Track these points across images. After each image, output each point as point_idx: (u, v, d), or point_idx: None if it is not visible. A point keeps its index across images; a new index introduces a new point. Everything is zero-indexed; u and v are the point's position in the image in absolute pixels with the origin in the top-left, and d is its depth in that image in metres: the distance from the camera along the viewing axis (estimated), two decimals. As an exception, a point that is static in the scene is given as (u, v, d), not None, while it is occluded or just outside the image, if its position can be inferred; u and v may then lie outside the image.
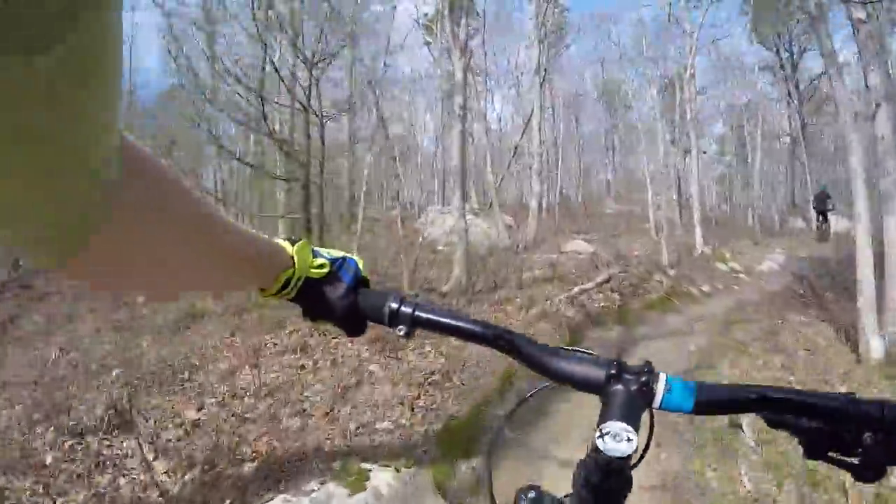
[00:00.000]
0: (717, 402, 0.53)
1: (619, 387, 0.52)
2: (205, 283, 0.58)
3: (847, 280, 7.38)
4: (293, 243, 0.57)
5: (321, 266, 0.58)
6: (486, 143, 14.88)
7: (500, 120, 28.25)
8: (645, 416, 0.53)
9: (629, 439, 0.47)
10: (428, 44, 20.22)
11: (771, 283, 9.01)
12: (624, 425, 0.48)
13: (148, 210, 0.34)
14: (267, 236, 0.55)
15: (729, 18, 31.57)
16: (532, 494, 0.55)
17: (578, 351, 0.58)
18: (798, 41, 27.63)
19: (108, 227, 0.30)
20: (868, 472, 0.47)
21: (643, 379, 0.52)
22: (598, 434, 0.48)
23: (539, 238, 11.64)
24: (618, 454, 0.47)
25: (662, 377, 0.53)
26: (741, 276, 9.71)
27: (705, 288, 8.18)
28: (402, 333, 0.58)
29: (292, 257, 0.55)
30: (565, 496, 0.54)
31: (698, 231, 11.26)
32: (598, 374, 0.54)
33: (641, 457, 0.53)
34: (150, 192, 0.34)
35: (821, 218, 15.06)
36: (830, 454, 0.49)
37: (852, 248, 5.51)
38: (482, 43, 18.39)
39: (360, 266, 0.63)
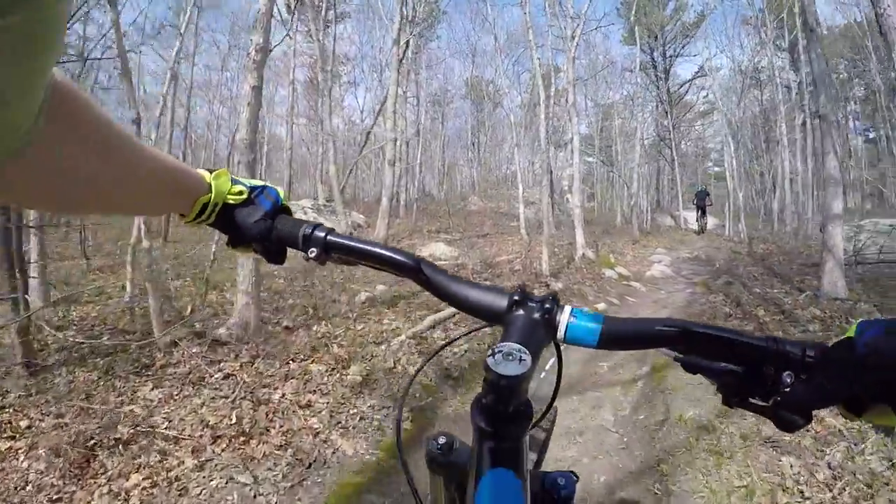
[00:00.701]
0: (624, 335, 0.51)
1: (521, 312, 0.51)
2: (126, 205, 0.56)
3: (766, 293, 6.17)
4: (211, 172, 0.59)
5: (239, 193, 0.60)
6: (337, 131, 12.52)
7: (361, 111, 26.49)
8: (551, 349, 0.52)
9: (521, 360, 0.44)
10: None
11: (670, 292, 7.59)
12: (518, 346, 0.45)
13: (70, 133, 0.37)
14: (184, 164, 0.56)
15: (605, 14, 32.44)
16: (442, 440, 0.60)
17: (490, 287, 0.57)
18: (672, 45, 28.65)
19: (33, 149, 0.33)
20: (786, 421, 0.44)
21: (546, 307, 0.51)
22: (489, 353, 0.44)
23: (392, 240, 9.54)
24: (508, 372, 0.43)
25: (567, 308, 0.51)
26: (633, 284, 8.26)
27: (600, 305, 6.48)
28: (312, 256, 0.58)
29: (209, 184, 0.57)
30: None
31: (580, 232, 9.78)
32: (500, 301, 0.53)
33: (553, 397, 0.56)
34: (72, 117, 0.37)
35: (699, 213, 17.46)
36: (751, 400, 0.47)
37: (734, 246, 4.34)
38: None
39: (281, 194, 0.65)
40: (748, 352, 0.46)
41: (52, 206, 0.44)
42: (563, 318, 0.50)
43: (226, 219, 0.60)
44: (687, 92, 27.60)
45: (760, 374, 0.45)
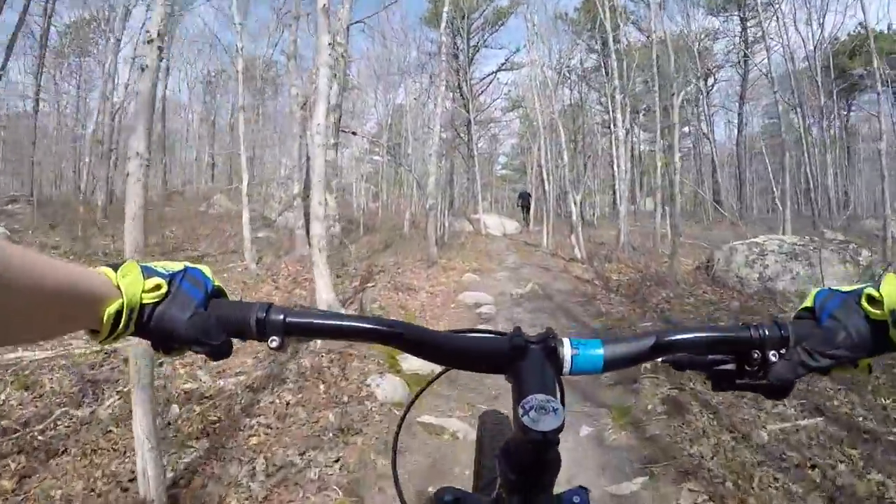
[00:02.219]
0: (623, 356, 0.51)
1: (527, 358, 0.50)
2: (14, 335, 0.41)
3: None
4: (116, 267, 0.47)
5: (156, 287, 0.48)
6: None
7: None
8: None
9: (555, 409, 0.44)
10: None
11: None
12: (546, 396, 0.45)
13: None
14: (80, 265, 0.45)
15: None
16: (449, 497, 0.54)
17: (476, 330, 0.56)
18: (479, 34, 25.84)
19: None
20: (778, 390, 0.50)
21: (550, 345, 0.50)
22: (521, 412, 0.44)
23: None
24: (548, 427, 0.43)
25: (566, 341, 0.51)
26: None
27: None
28: (274, 346, 0.50)
29: (117, 286, 0.46)
30: (480, 491, 0.54)
31: (322, 274, 4.87)
32: (501, 350, 0.51)
33: (560, 427, 0.50)
34: None
35: (524, 212, 19.48)
36: (738, 382, 0.51)
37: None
38: None
39: (209, 274, 0.54)
40: (737, 343, 0.50)
41: None
42: (566, 352, 0.50)
43: (148, 323, 0.48)
44: (489, 84, 25.09)
45: (749, 359, 0.50)
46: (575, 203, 10.93)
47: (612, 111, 11.79)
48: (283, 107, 23.62)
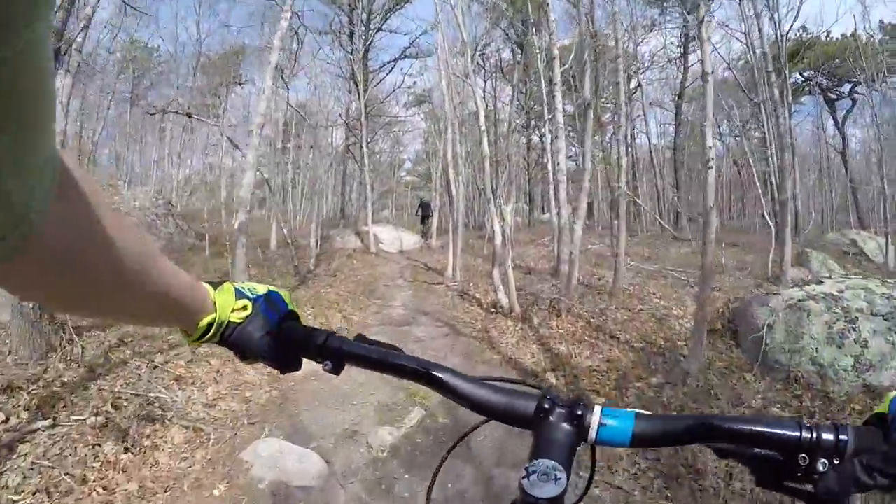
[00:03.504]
0: (655, 434, 0.49)
1: (550, 420, 0.49)
2: (130, 312, 0.50)
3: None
4: (216, 286, 0.56)
5: (243, 308, 0.57)
6: None
7: None
8: (584, 453, 0.50)
9: (557, 478, 0.43)
10: None
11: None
12: (552, 463, 0.44)
13: (79, 221, 0.34)
14: (191, 277, 0.52)
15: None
16: None
17: (510, 381, 0.56)
18: (378, 16, 21.71)
19: (36, 240, 0.30)
20: (826, 502, 0.44)
21: (576, 412, 0.49)
22: (524, 473, 0.44)
23: None
24: (545, 495, 0.43)
25: (597, 410, 0.49)
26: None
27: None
28: (327, 368, 0.57)
29: (213, 302, 0.54)
30: None
31: None
32: (527, 407, 0.51)
33: (583, 495, 0.51)
34: (81, 211, 0.34)
35: (423, 223, 17.57)
36: (785, 483, 0.46)
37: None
38: None
39: (287, 298, 0.62)
40: (782, 441, 0.45)
41: (55, 305, 0.43)
42: (594, 420, 0.49)
43: (233, 336, 0.57)
44: (388, 74, 21.20)
45: (794, 462, 0.45)
46: (502, 218, 7.08)
47: (551, 101, 8.46)
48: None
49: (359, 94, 17.76)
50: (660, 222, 15.75)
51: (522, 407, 0.51)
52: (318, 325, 5.59)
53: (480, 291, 8.38)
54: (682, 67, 22.00)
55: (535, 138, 26.41)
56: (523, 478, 0.44)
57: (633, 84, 21.04)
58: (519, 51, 22.35)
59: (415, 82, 23.30)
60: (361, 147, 18.13)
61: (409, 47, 20.00)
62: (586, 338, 5.49)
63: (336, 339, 0.58)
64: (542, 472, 0.44)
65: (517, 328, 6.09)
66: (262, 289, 0.61)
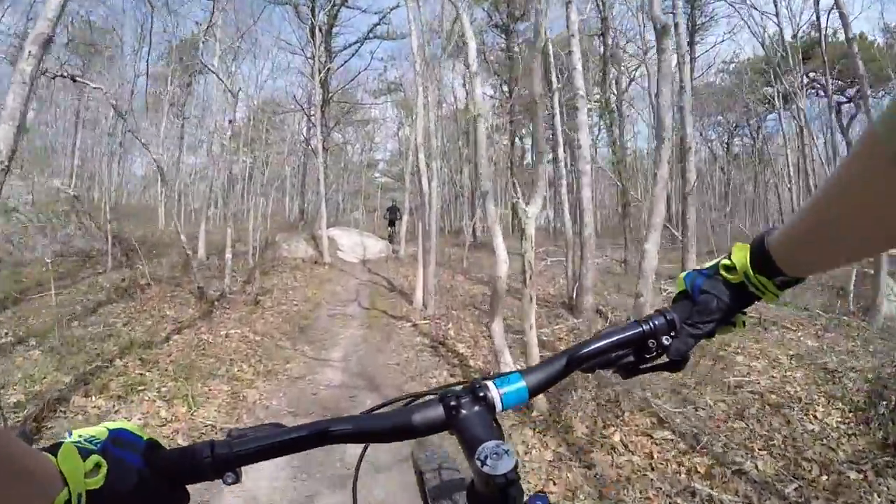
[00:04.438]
0: (543, 381, 0.55)
1: (463, 412, 0.51)
2: None
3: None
4: (53, 450, 0.41)
5: (96, 466, 0.42)
6: None
7: None
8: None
9: (507, 451, 0.46)
10: None
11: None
12: (494, 442, 0.47)
13: None
14: (26, 447, 0.38)
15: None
16: None
17: (398, 399, 0.58)
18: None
19: None
20: (678, 365, 0.57)
21: (479, 394, 0.52)
22: (478, 463, 0.46)
23: None
24: (508, 468, 0.45)
25: (490, 384, 0.53)
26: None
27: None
28: (231, 481, 0.48)
29: (61, 472, 0.40)
30: None
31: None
32: (436, 412, 0.52)
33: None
34: None
35: (391, 226, 16.29)
36: (642, 367, 0.57)
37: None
38: None
39: (136, 430, 0.48)
40: (632, 339, 0.56)
41: None
42: (494, 394, 0.52)
43: (99, 501, 0.42)
44: (353, 57, 18.29)
45: (647, 348, 0.56)
46: (522, 234, 3.44)
47: (573, 80, 5.85)
48: None
49: (315, 72, 14.84)
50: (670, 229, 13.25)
51: (432, 414, 0.52)
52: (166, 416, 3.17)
53: (465, 341, 5.55)
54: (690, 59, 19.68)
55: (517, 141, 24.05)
56: (481, 467, 0.45)
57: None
58: (503, 37, 19.76)
59: (385, 67, 20.35)
60: (318, 137, 15.25)
61: (379, 24, 17.12)
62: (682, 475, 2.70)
63: (221, 445, 0.49)
64: (493, 452, 0.46)
65: (542, 437, 3.09)
66: (100, 431, 0.45)
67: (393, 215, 16.12)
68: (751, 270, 0.53)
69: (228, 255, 7.46)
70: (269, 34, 16.08)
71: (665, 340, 0.55)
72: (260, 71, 24.57)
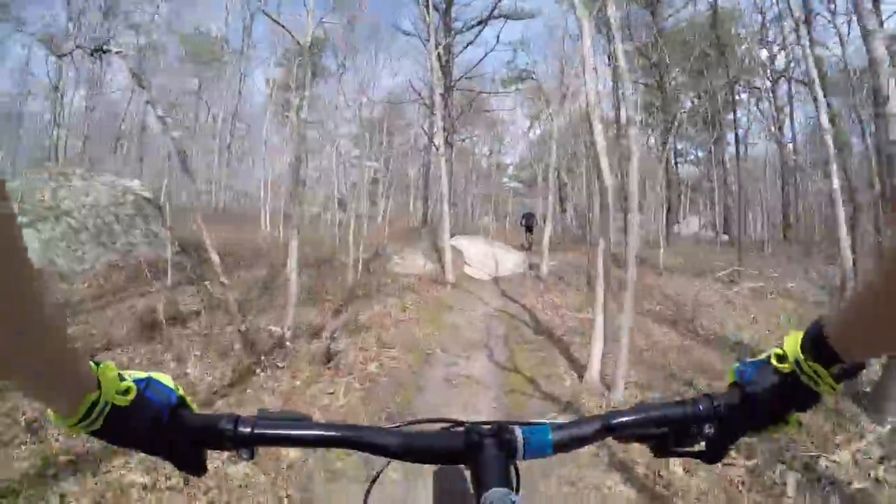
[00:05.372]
0: (570, 439, 0.53)
1: (483, 452, 0.51)
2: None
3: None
4: (98, 364, 0.46)
5: (126, 391, 0.46)
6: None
7: None
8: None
9: (513, 502, 0.46)
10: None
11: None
12: (503, 490, 0.46)
13: None
14: (77, 350, 0.41)
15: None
16: None
17: (426, 420, 0.60)
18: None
19: None
20: (714, 456, 0.53)
21: (504, 437, 0.51)
22: None
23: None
24: None
25: (518, 430, 0.52)
26: None
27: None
28: (245, 457, 0.51)
29: (98, 379, 0.44)
30: None
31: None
32: (456, 444, 0.52)
33: None
34: None
35: (528, 233, 15.49)
36: (676, 449, 0.54)
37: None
38: None
39: (171, 385, 0.51)
40: (674, 419, 0.52)
41: None
42: (519, 440, 0.51)
43: (113, 424, 0.45)
44: (476, 36, 15.66)
45: (687, 432, 0.52)
46: None
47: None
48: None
49: (432, 52, 12.48)
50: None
51: (452, 444, 0.52)
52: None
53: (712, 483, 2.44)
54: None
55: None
56: None
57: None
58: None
59: (514, 50, 17.42)
60: (437, 122, 12.84)
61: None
62: None
63: (244, 422, 0.50)
64: (499, 500, 0.45)
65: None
66: (142, 374, 0.50)
67: (529, 221, 15.19)
68: (802, 356, 0.48)
69: (292, 278, 5.05)
70: (386, 22, 14.25)
71: (707, 429, 0.52)
72: (378, 64, 23.17)
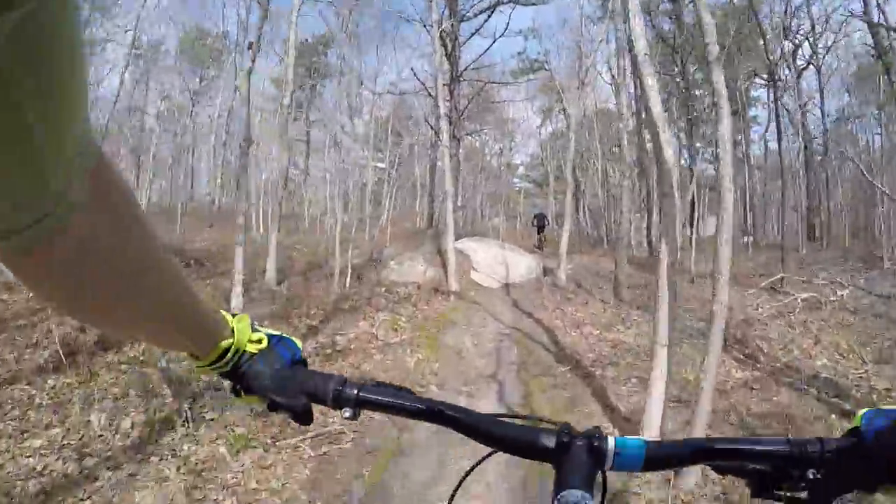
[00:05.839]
0: (664, 458, 0.52)
1: (571, 453, 0.50)
2: (145, 327, 0.45)
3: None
4: (233, 314, 0.52)
5: (259, 341, 0.52)
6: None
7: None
8: (598, 478, 0.51)
9: None
10: None
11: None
12: (580, 493, 0.46)
13: (105, 232, 0.30)
14: (209, 303, 0.49)
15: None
16: None
17: (523, 417, 0.58)
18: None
19: (62, 237, 0.26)
20: None
21: (594, 444, 0.50)
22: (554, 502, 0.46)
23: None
24: None
25: (611, 440, 0.51)
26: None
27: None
28: (346, 416, 0.53)
29: (232, 328, 0.50)
30: None
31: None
32: (547, 442, 0.52)
33: None
34: (112, 214, 0.30)
35: (540, 233, 15.49)
36: (777, 492, 0.50)
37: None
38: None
39: (299, 345, 0.57)
40: (775, 456, 0.49)
41: (70, 306, 0.35)
42: (609, 449, 0.50)
43: (243, 368, 0.51)
44: (487, 20, 14.39)
45: (786, 473, 0.48)
46: None
47: None
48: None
49: (436, 38, 11.28)
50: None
51: (543, 441, 0.52)
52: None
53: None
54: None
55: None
56: None
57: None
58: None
59: (525, 38, 16.14)
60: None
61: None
62: None
63: (351, 385, 0.53)
64: (574, 501, 0.45)
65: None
66: (275, 331, 0.56)
67: (541, 222, 15.29)
68: None
69: (235, 292, 3.88)
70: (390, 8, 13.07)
71: (811, 475, 0.48)
72: (382, 53, 22.10)
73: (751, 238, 18.18)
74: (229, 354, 0.48)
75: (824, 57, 17.86)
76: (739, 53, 13.52)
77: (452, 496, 0.61)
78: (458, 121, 12.32)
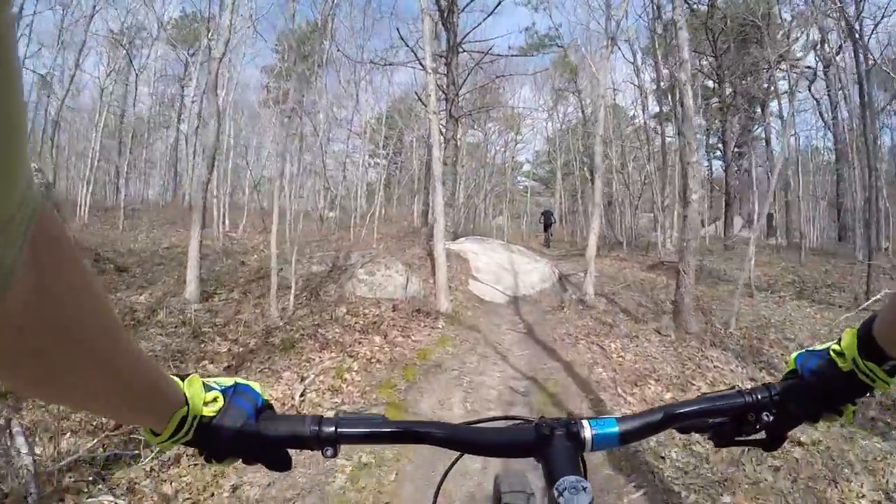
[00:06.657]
0: (636, 430, 0.53)
1: (554, 443, 0.51)
2: (93, 400, 0.39)
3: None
4: (182, 378, 0.48)
5: (214, 400, 0.49)
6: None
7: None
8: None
9: (584, 488, 0.46)
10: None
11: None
12: (574, 477, 0.47)
13: (46, 292, 0.27)
14: (162, 369, 0.44)
15: None
16: None
17: (497, 418, 0.60)
18: None
19: (1, 305, 0.23)
20: (773, 443, 0.54)
21: (573, 430, 0.52)
22: (555, 493, 0.46)
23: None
24: (583, 503, 0.45)
25: (586, 423, 0.53)
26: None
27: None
28: (329, 455, 0.52)
29: (184, 394, 0.46)
30: None
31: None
32: (528, 438, 0.53)
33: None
34: (53, 270, 0.27)
35: (547, 231, 15.92)
36: (737, 439, 0.54)
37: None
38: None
39: (258, 389, 0.53)
40: (733, 408, 0.53)
41: (9, 381, 0.30)
42: (587, 433, 0.52)
43: (204, 433, 0.47)
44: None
45: (745, 420, 0.53)
46: None
47: None
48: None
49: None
50: None
51: (523, 438, 0.52)
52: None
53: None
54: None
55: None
56: (557, 497, 0.45)
57: None
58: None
59: (535, 9, 13.86)
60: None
61: None
62: None
63: (328, 422, 0.51)
64: (571, 486, 0.45)
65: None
66: (228, 381, 0.52)
67: (548, 220, 15.73)
68: (859, 357, 0.48)
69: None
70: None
71: (765, 416, 0.52)
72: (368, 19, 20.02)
73: (771, 240, 16.02)
74: (186, 425, 0.45)
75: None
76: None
77: (434, 501, 0.66)
78: (455, 98, 10.12)
